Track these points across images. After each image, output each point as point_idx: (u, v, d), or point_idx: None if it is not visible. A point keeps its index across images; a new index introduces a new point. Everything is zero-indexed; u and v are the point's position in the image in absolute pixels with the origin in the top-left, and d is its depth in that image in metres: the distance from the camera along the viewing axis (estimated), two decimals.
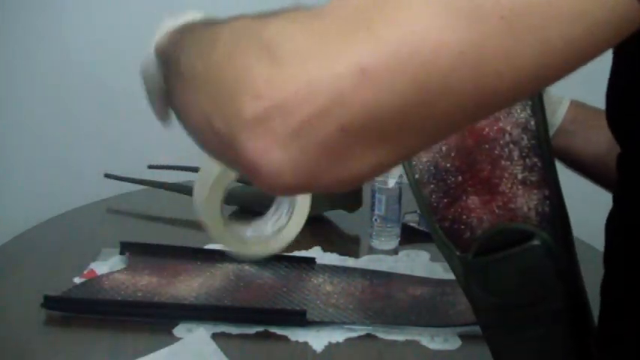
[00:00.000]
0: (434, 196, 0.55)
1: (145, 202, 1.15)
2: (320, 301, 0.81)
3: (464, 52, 0.28)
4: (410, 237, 1.00)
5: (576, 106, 0.68)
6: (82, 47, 1.32)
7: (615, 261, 0.45)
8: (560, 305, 0.49)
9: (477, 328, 0.73)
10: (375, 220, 0.97)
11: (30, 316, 0.76)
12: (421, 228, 1.02)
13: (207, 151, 0.38)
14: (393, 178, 0.95)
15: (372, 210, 0.98)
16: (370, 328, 0.76)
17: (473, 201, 0.53)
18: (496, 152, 0.53)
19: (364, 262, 0.94)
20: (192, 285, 0.84)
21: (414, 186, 0.56)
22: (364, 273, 0.89)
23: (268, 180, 0.30)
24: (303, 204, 0.62)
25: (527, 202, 0.52)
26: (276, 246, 0.61)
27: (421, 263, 0.93)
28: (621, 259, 0.44)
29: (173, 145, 1.40)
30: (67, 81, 1.34)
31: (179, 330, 0.75)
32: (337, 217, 1.09)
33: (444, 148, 0.54)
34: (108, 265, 0.88)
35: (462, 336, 0.74)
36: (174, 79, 0.40)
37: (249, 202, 1.11)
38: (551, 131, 0.68)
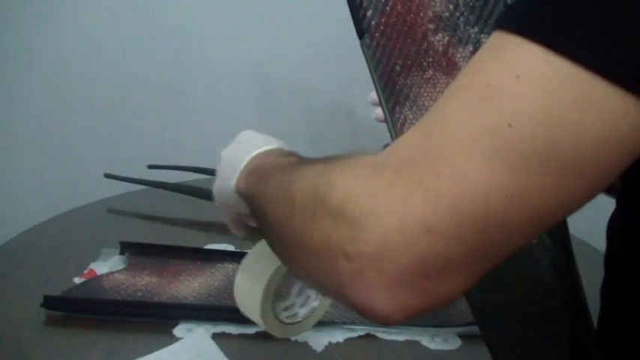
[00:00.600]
0: None
1: (145, 202, 1.15)
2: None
3: (510, 196, 0.31)
4: None
5: None
6: (82, 47, 1.32)
7: (616, 262, 0.45)
8: (558, 304, 0.49)
9: (476, 328, 0.73)
10: None
11: (30, 316, 0.76)
12: None
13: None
14: None
15: None
16: (370, 328, 0.76)
17: None
18: None
19: None
20: (192, 285, 0.84)
21: None
22: None
23: (380, 319, 0.35)
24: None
25: None
26: (309, 325, 0.63)
27: None
28: (622, 260, 0.44)
29: (173, 145, 1.41)
30: (67, 81, 1.34)
31: (179, 330, 0.75)
32: None
33: None
34: (108, 265, 0.89)
35: (462, 336, 0.74)
36: (266, 226, 0.45)
37: None
38: None
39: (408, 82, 0.55)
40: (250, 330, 0.75)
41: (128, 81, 1.35)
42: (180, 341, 0.72)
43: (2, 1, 1.28)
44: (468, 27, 0.52)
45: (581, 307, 0.50)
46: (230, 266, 0.89)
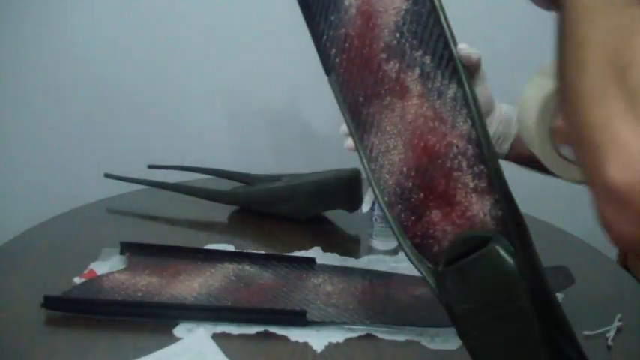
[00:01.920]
0: (403, 216, 0.58)
1: (145, 202, 1.15)
2: (320, 301, 0.81)
3: None
4: None
5: None
6: (82, 47, 1.32)
7: None
8: (526, 303, 0.50)
9: None
10: (375, 220, 0.97)
11: (30, 316, 0.76)
12: None
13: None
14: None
15: (372, 210, 0.98)
16: (370, 328, 0.76)
17: (436, 215, 0.56)
18: (448, 165, 0.55)
19: (364, 262, 0.94)
20: (192, 285, 0.84)
21: (384, 208, 0.59)
22: (364, 273, 0.89)
23: (615, 240, 0.34)
24: None
25: (482, 209, 0.54)
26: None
27: None
28: None
29: (173, 145, 1.41)
30: (67, 81, 1.34)
31: (179, 330, 0.75)
32: (337, 217, 1.09)
33: (404, 169, 0.58)
34: (108, 265, 0.89)
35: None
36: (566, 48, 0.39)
37: (248, 203, 1.11)
38: (509, 141, 0.72)
39: (371, 110, 0.59)
40: (250, 330, 0.75)
41: (128, 81, 1.35)
42: (180, 341, 0.72)
43: (2, 1, 1.28)
44: (413, 51, 0.56)
45: (548, 304, 0.51)
46: (230, 266, 0.89)
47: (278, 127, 1.41)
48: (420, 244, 0.57)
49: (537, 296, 0.50)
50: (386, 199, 0.59)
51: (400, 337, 0.75)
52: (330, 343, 0.73)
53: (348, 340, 0.74)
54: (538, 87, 0.58)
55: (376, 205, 0.97)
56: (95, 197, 1.15)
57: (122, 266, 0.88)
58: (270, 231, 1.05)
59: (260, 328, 0.76)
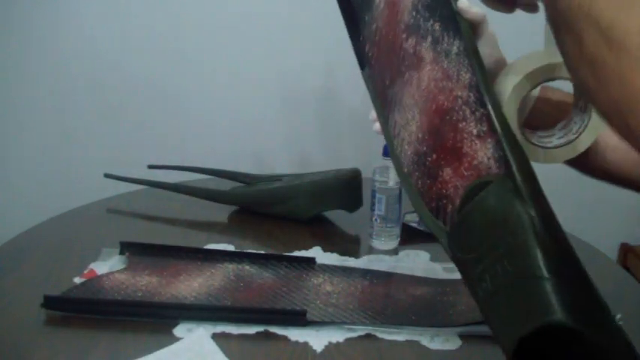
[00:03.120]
0: (420, 183, 0.59)
1: (145, 202, 1.15)
2: (320, 301, 0.81)
3: None
4: (410, 237, 1.00)
5: None
6: (82, 47, 1.33)
7: None
8: (529, 236, 0.47)
9: (477, 328, 0.73)
10: (375, 220, 0.97)
11: (30, 316, 0.76)
12: (421, 228, 1.03)
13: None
14: (394, 177, 0.96)
15: (372, 210, 0.98)
16: (370, 328, 0.76)
17: (447, 172, 0.56)
18: (454, 118, 0.56)
19: (364, 262, 0.94)
20: (192, 285, 0.84)
21: (403, 178, 0.60)
22: (364, 273, 0.89)
23: None
24: (597, 124, 0.60)
25: (485, 153, 0.54)
26: (559, 155, 0.61)
27: (421, 263, 0.93)
28: None
29: (173, 145, 1.41)
30: (68, 81, 1.34)
31: (179, 330, 0.75)
32: (337, 217, 1.09)
33: (420, 135, 0.59)
34: (108, 265, 0.89)
35: (462, 336, 0.74)
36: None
37: (248, 203, 1.11)
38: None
39: (395, 89, 0.61)
40: (250, 330, 0.75)
41: (128, 81, 1.36)
42: (180, 341, 0.72)
43: (3, 2, 1.28)
44: (426, 22, 0.59)
45: (554, 240, 0.49)
46: (230, 266, 0.89)
47: (278, 127, 1.41)
48: (436, 208, 0.57)
49: (544, 229, 0.48)
50: (405, 169, 0.60)
51: (400, 337, 0.75)
52: (330, 343, 0.73)
53: (348, 340, 0.74)
54: (508, 75, 0.59)
55: (376, 205, 0.97)
56: (95, 197, 1.15)
57: (122, 266, 0.88)
58: (270, 231, 1.05)
59: (260, 328, 0.76)
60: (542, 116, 0.66)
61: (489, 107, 0.54)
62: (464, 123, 0.55)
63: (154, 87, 1.36)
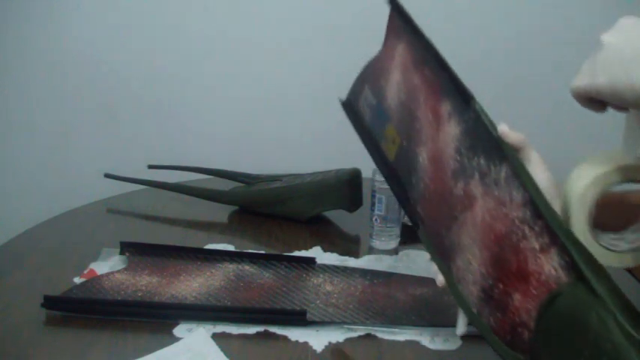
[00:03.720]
0: (491, 319, 0.57)
1: (145, 202, 1.15)
2: (320, 301, 0.81)
3: None
4: (410, 237, 1.00)
5: None
6: (82, 47, 1.32)
7: None
8: (618, 338, 0.45)
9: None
10: (375, 220, 0.97)
11: (30, 316, 0.76)
12: None
13: None
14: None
15: (372, 210, 0.98)
16: (370, 328, 0.76)
17: (517, 299, 0.54)
18: (514, 240, 0.54)
19: (364, 262, 0.94)
20: (192, 285, 0.84)
21: (474, 320, 0.59)
22: (364, 273, 0.89)
23: None
24: None
25: (552, 265, 0.51)
26: (629, 260, 0.59)
27: (421, 263, 0.93)
28: None
29: (173, 145, 1.41)
30: (67, 81, 1.34)
31: (179, 330, 0.75)
32: (337, 217, 1.09)
33: (483, 271, 0.58)
34: (108, 265, 0.89)
35: (462, 336, 0.74)
36: None
37: (248, 203, 1.11)
38: None
39: (452, 236, 0.61)
40: (250, 330, 0.75)
41: (128, 81, 1.35)
42: (181, 341, 0.72)
43: (3, 1, 1.28)
44: (470, 161, 0.60)
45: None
46: (230, 266, 0.89)
47: (278, 127, 1.41)
48: (511, 340, 0.55)
49: (631, 325, 0.45)
50: (474, 310, 0.59)
51: (400, 337, 0.75)
52: (330, 343, 0.73)
53: (348, 340, 0.74)
54: (580, 177, 0.57)
55: (376, 205, 0.97)
56: (95, 197, 1.15)
57: (122, 266, 0.88)
58: (270, 231, 1.05)
59: (260, 328, 0.76)
60: (607, 217, 0.62)
61: (544, 213, 0.52)
62: (525, 241, 0.53)
63: (154, 87, 1.36)
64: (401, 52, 0.71)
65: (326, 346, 0.73)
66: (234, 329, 0.75)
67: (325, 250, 0.96)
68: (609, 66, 0.49)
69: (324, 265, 0.90)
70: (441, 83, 0.64)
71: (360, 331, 0.76)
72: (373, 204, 0.98)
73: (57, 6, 1.30)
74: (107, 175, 1.15)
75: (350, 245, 1.03)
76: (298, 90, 1.38)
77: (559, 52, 1.36)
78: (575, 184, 0.56)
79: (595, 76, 0.50)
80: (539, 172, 0.59)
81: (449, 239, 0.62)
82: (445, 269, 0.63)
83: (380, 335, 0.75)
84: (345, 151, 1.40)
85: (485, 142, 0.58)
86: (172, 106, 1.39)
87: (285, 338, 0.74)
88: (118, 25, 1.32)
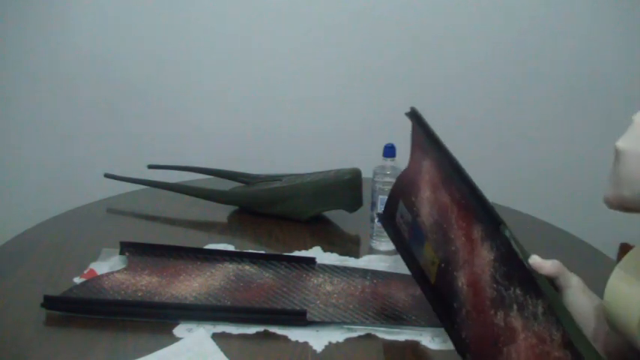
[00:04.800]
0: None
1: (145, 202, 1.15)
2: (320, 301, 0.81)
3: None
4: None
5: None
6: (82, 47, 1.32)
7: None
8: None
9: None
10: (375, 220, 0.97)
11: (30, 316, 0.76)
12: None
13: None
14: (393, 178, 0.95)
15: (372, 210, 0.98)
16: (370, 328, 0.76)
17: None
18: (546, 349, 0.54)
19: (364, 262, 0.94)
20: (192, 285, 0.84)
21: None
22: (364, 273, 0.89)
23: None
24: None
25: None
26: None
27: None
28: None
29: (173, 145, 1.41)
30: (68, 81, 1.34)
31: (179, 330, 0.75)
32: (337, 217, 1.09)
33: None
34: (108, 265, 0.89)
35: None
36: None
37: (248, 203, 1.11)
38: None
39: None
40: (250, 330, 0.75)
41: (129, 81, 1.35)
42: (181, 341, 0.72)
43: (3, 2, 1.28)
44: (508, 291, 0.58)
45: None
46: (230, 266, 0.89)
47: (278, 128, 1.41)
48: None
49: None
50: None
51: (400, 337, 0.75)
52: (330, 343, 0.73)
53: (348, 340, 0.74)
54: (628, 283, 0.54)
55: (376, 205, 0.97)
56: (95, 197, 1.15)
57: (122, 266, 0.88)
58: (270, 231, 1.05)
59: (260, 328, 0.76)
60: None
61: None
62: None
63: (155, 87, 1.36)
64: (428, 168, 0.70)
65: (326, 346, 0.73)
66: (234, 329, 0.75)
67: (325, 250, 0.96)
68: (629, 180, 0.48)
69: (324, 265, 0.90)
70: (471, 205, 0.63)
71: (360, 331, 0.76)
72: (373, 204, 0.97)
73: (57, 7, 1.30)
74: (107, 175, 1.15)
75: (350, 245, 1.03)
76: (298, 91, 1.38)
77: (566, 51, 1.36)
78: (629, 292, 0.52)
79: (620, 188, 0.49)
80: (580, 296, 0.58)
81: None
82: None
83: (380, 335, 0.75)
84: (345, 151, 1.40)
85: (519, 272, 0.57)
86: (172, 107, 1.39)
87: (285, 338, 0.74)
88: (118, 25, 1.32)
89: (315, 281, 0.86)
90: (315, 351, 0.72)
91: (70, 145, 1.38)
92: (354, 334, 0.75)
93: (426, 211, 0.71)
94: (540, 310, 0.55)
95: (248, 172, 1.17)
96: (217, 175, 1.19)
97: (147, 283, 0.84)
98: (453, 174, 0.65)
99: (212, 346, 0.71)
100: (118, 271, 0.86)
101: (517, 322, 0.57)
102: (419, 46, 1.36)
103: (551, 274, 0.58)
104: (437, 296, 0.70)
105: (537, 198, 1.34)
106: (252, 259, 0.91)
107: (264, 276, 0.87)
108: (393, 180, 0.98)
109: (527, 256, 0.57)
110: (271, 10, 1.33)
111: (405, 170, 0.77)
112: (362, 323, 0.76)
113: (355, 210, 1.07)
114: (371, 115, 1.39)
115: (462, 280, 0.65)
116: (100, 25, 1.32)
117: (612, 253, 1.63)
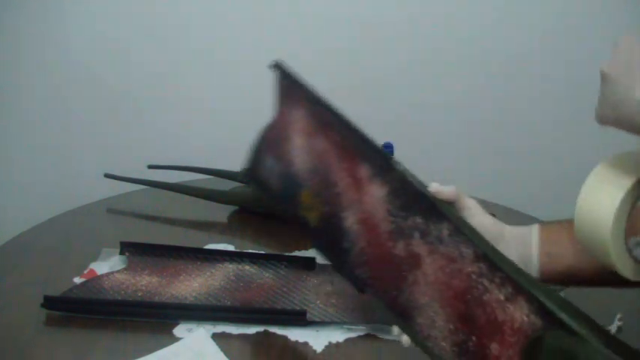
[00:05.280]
0: None
1: (145, 202, 1.15)
2: (320, 301, 0.81)
3: None
4: None
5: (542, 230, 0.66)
6: (82, 47, 1.32)
7: None
8: None
9: None
10: None
11: (30, 316, 0.76)
12: None
13: None
14: None
15: None
16: (370, 328, 0.76)
17: (495, 348, 0.55)
18: (477, 294, 0.55)
19: None
20: (192, 285, 0.84)
21: None
22: None
23: None
24: None
25: (522, 312, 0.53)
26: None
27: None
28: None
29: (173, 145, 1.41)
30: (67, 81, 1.34)
31: (179, 330, 0.75)
32: None
33: (451, 326, 0.58)
34: (108, 265, 0.89)
35: None
36: None
37: (248, 203, 1.11)
38: (534, 263, 0.65)
39: (405, 296, 0.61)
40: (250, 330, 0.75)
41: (128, 81, 1.35)
42: (181, 341, 0.72)
43: (2, 2, 1.28)
44: (406, 221, 0.60)
45: None
46: (230, 266, 0.89)
47: None
48: None
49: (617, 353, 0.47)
50: None
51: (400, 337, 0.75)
52: (330, 343, 0.73)
53: (348, 340, 0.74)
54: (603, 191, 0.52)
55: None
56: (95, 197, 1.15)
57: (122, 266, 0.88)
58: (270, 231, 1.05)
59: (260, 328, 0.76)
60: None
61: (501, 266, 0.53)
62: (488, 294, 0.55)
63: (154, 87, 1.36)
64: (300, 117, 0.70)
65: (326, 346, 0.73)
66: (234, 329, 0.75)
67: None
68: (612, 101, 0.49)
69: (325, 265, 0.90)
70: (354, 146, 0.63)
71: (360, 331, 0.76)
72: None
73: (57, 6, 1.30)
74: (107, 175, 1.15)
75: None
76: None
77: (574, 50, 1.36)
78: (604, 201, 0.51)
79: (606, 108, 0.51)
80: (481, 218, 0.61)
81: (403, 298, 0.61)
82: (409, 330, 0.62)
83: (380, 335, 0.75)
84: None
85: (417, 201, 0.59)
86: (172, 107, 1.39)
87: (285, 338, 0.74)
88: (118, 25, 1.32)
89: (315, 281, 0.86)
90: (315, 351, 0.72)
91: (70, 145, 1.38)
92: (354, 334, 0.75)
93: (301, 160, 0.70)
94: (446, 232, 0.57)
95: None
96: (217, 175, 1.19)
97: (147, 283, 0.84)
98: (331, 118, 0.65)
99: (212, 347, 0.71)
100: (118, 271, 0.87)
101: (421, 249, 0.59)
102: (418, 45, 1.36)
103: (450, 198, 0.60)
104: (320, 239, 0.69)
105: (537, 198, 1.34)
106: (252, 259, 0.91)
107: (264, 276, 0.87)
108: None
109: (423, 185, 0.59)
110: (270, 11, 1.34)
111: (271, 124, 0.76)
112: (362, 323, 0.76)
113: None
114: (369, 114, 1.39)
115: (350, 220, 0.64)
116: (100, 25, 1.32)
117: None
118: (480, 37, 1.35)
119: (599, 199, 0.51)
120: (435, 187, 0.59)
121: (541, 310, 0.51)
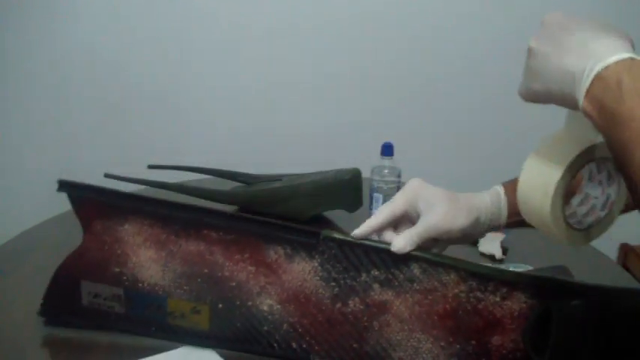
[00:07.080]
0: None
1: None
2: None
3: None
4: None
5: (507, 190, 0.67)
6: (82, 47, 1.33)
7: None
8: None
9: None
10: None
11: (30, 316, 0.76)
12: None
13: None
14: (391, 176, 0.95)
15: (371, 209, 0.98)
16: None
17: (496, 340, 0.60)
18: (470, 307, 0.59)
19: None
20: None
21: None
22: None
23: None
24: (621, 198, 0.57)
25: (520, 303, 0.58)
26: (596, 234, 0.58)
27: None
28: None
29: (173, 145, 1.41)
30: (68, 81, 1.34)
31: None
32: (337, 217, 1.09)
33: (442, 344, 0.61)
34: None
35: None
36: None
37: (248, 203, 1.11)
38: (502, 217, 0.65)
39: (371, 344, 0.62)
40: None
41: (129, 82, 1.36)
42: (179, 349, 0.71)
43: (3, 2, 1.28)
44: (355, 280, 0.62)
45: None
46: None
47: (278, 128, 1.41)
48: None
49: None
50: None
51: None
52: None
53: None
54: (542, 164, 0.54)
55: (374, 204, 0.97)
56: None
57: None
58: None
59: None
60: None
61: (494, 276, 0.58)
62: (482, 302, 0.58)
63: (155, 87, 1.36)
64: (136, 230, 0.68)
65: None
66: None
67: None
68: (542, 75, 0.50)
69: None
70: (251, 235, 0.64)
71: None
72: (371, 203, 0.97)
73: (57, 6, 1.30)
74: (107, 175, 1.15)
75: None
76: (298, 91, 1.38)
77: None
78: (546, 175, 0.53)
79: (530, 82, 0.52)
80: (439, 224, 0.60)
81: (368, 347, 0.63)
82: None
83: None
84: (345, 151, 1.41)
85: (367, 257, 0.61)
86: (172, 107, 1.39)
87: None
88: (118, 25, 1.32)
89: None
90: None
91: (70, 145, 1.39)
92: None
93: (156, 271, 0.68)
94: (417, 271, 0.59)
95: (248, 172, 1.17)
96: (217, 175, 1.19)
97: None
98: (209, 220, 0.65)
99: (211, 353, 0.70)
100: None
101: (384, 296, 0.61)
102: (417, 45, 1.36)
103: (400, 213, 0.62)
104: (219, 335, 0.68)
105: None
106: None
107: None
108: (392, 179, 0.98)
109: (377, 241, 0.62)
110: (271, 11, 1.34)
111: (79, 248, 0.74)
112: None
113: (355, 210, 1.07)
114: (369, 114, 1.39)
115: (268, 303, 0.65)
116: (100, 26, 1.32)
117: (612, 253, 1.64)
118: (480, 37, 1.35)
119: (537, 184, 0.54)
120: (398, 243, 0.59)
121: (537, 293, 0.56)
